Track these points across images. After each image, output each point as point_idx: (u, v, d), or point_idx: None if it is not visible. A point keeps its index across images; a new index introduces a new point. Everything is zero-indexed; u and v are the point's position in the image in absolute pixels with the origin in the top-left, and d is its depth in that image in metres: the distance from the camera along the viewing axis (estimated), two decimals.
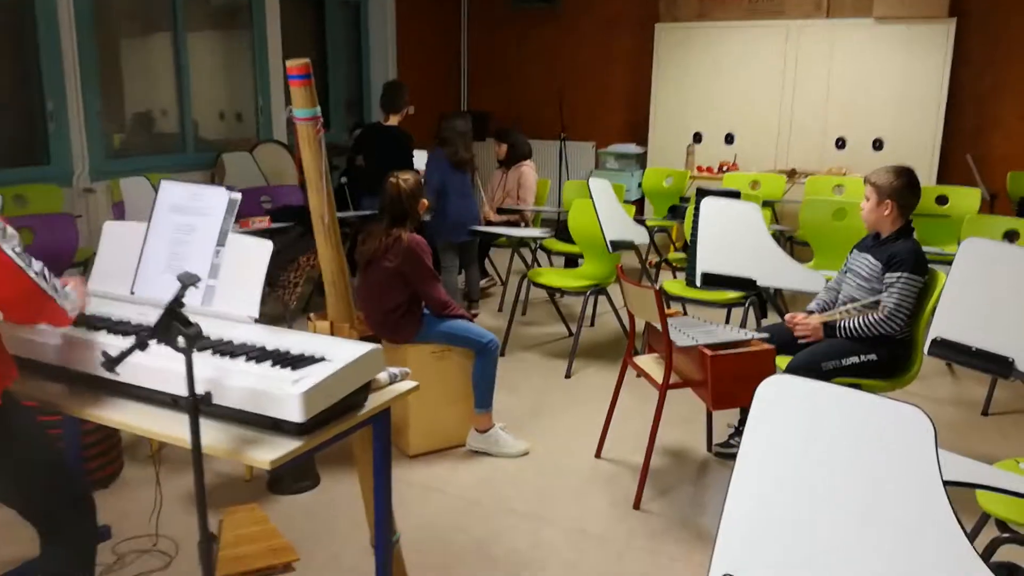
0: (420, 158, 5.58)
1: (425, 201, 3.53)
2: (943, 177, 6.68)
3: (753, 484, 1.43)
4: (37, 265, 1.76)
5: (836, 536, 1.34)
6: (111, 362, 1.60)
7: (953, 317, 2.64)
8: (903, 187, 3.10)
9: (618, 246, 4.43)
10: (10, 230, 1.73)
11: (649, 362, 3.32)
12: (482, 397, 3.48)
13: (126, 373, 1.87)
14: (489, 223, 5.55)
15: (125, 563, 2.73)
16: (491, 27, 8.92)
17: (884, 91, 6.82)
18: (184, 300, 1.61)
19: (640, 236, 4.59)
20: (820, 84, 7.07)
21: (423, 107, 7.25)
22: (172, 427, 1.82)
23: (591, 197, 4.40)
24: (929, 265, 3.16)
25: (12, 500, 1.92)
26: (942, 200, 5.51)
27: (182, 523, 2.95)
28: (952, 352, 2.60)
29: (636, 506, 3.12)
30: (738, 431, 3.54)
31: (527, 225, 5.79)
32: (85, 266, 4.59)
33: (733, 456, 3.46)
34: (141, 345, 1.61)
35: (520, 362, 4.71)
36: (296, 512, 3.08)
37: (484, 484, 3.29)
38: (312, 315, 2.25)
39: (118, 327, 2.09)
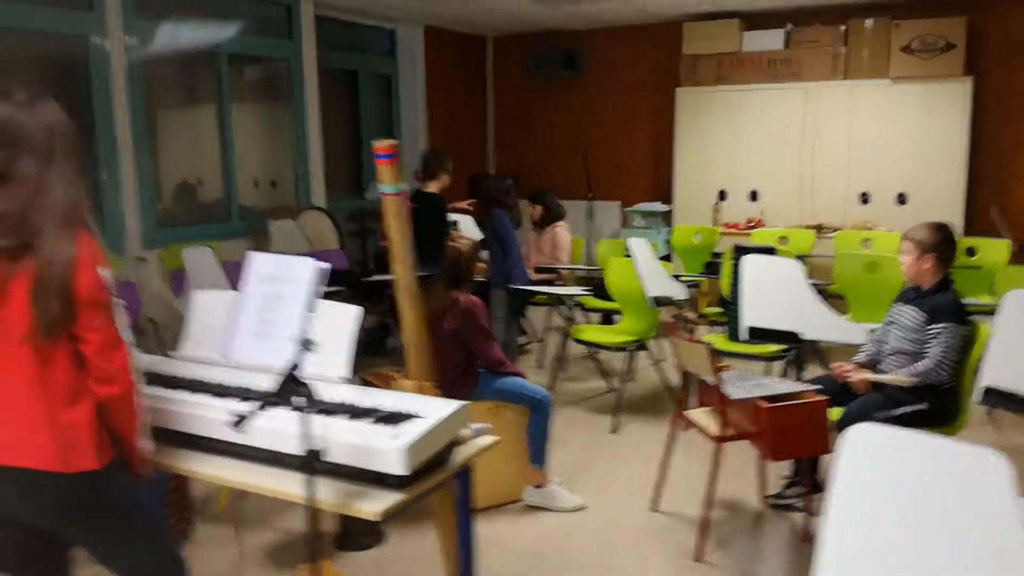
0: (466, 222, 5.76)
1: (483, 264, 3.68)
2: (969, 229, 6.80)
3: (843, 526, 1.53)
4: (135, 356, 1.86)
5: (924, 570, 1.43)
6: (240, 422, 1.72)
7: (1002, 366, 2.73)
8: (941, 242, 3.23)
9: (660, 302, 4.56)
10: (121, 307, 1.84)
11: (701, 415, 3.42)
12: (538, 453, 3.57)
13: (228, 434, 2.01)
14: (532, 282, 5.71)
15: None
16: (516, 93, 9.24)
17: (905, 147, 7.00)
18: (299, 363, 1.74)
19: (679, 292, 4.72)
20: (841, 142, 7.26)
21: (453, 170, 7.52)
22: (277, 482, 1.94)
23: (631, 255, 4.55)
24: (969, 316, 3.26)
25: (118, 562, 2.01)
26: (971, 252, 5.62)
27: None
28: (1004, 400, 2.69)
29: (697, 559, 3.18)
30: (792, 483, 3.60)
31: (563, 284, 5.94)
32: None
33: (788, 507, 3.55)
34: (266, 405, 1.74)
35: (566, 418, 4.80)
36: (364, 568, 3.16)
37: (545, 539, 3.37)
38: (395, 374, 2.38)
39: (216, 389, 2.22)
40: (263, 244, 6.38)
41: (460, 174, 8.53)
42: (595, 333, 5.02)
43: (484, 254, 4.76)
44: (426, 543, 3.32)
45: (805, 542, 3.31)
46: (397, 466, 1.82)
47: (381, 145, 2.10)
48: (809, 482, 3.40)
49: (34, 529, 1.86)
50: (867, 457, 1.52)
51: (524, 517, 3.56)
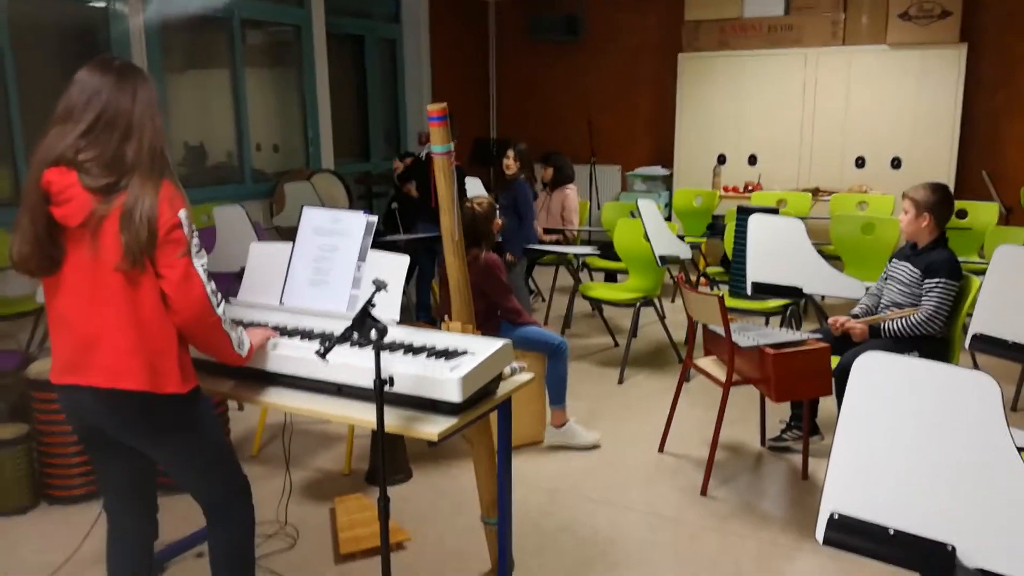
0: (474, 184, 5.93)
1: (499, 222, 3.89)
2: (960, 192, 7.03)
3: (852, 441, 1.76)
4: (213, 284, 2.06)
5: (922, 478, 1.67)
6: (324, 352, 1.95)
7: (990, 315, 2.98)
8: (939, 201, 3.46)
9: (666, 260, 4.79)
10: (203, 249, 2.06)
11: (709, 363, 3.66)
12: (557, 395, 3.84)
13: (301, 368, 2.23)
14: (541, 242, 5.92)
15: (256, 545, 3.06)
16: (518, 57, 9.36)
17: (900, 112, 7.21)
18: (375, 302, 1.96)
19: (684, 252, 4.95)
20: (838, 107, 7.45)
21: (458, 134, 7.69)
22: (343, 410, 2.17)
23: (641, 216, 4.76)
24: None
25: (193, 483, 2.23)
26: (961, 214, 5.86)
27: (299, 511, 3.28)
28: (991, 346, 2.94)
29: (703, 493, 3.45)
30: (790, 426, 3.86)
31: (571, 244, 6.15)
32: None
33: (786, 449, 3.82)
34: (345, 338, 1.96)
35: (574, 371, 4.99)
36: (396, 501, 3.38)
37: (561, 476, 3.63)
38: (446, 316, 2.60)
39: (279, 330, 2.44)
40: (277, 206, 6.57)
41: (463, 138, 8.70)
42: (603, 290, 5.25)
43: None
44: (447, 480, 3.59)
45: (803, 479, 3.58)
46: (454, 394, 2.04)
47: (434, 108, 2.29)
48: (807, 425, 3.65)
49: (121, 448, 2.09)
50: (876, 381, 1.75)
51: (542, 457, 3.81)
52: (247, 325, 2.44)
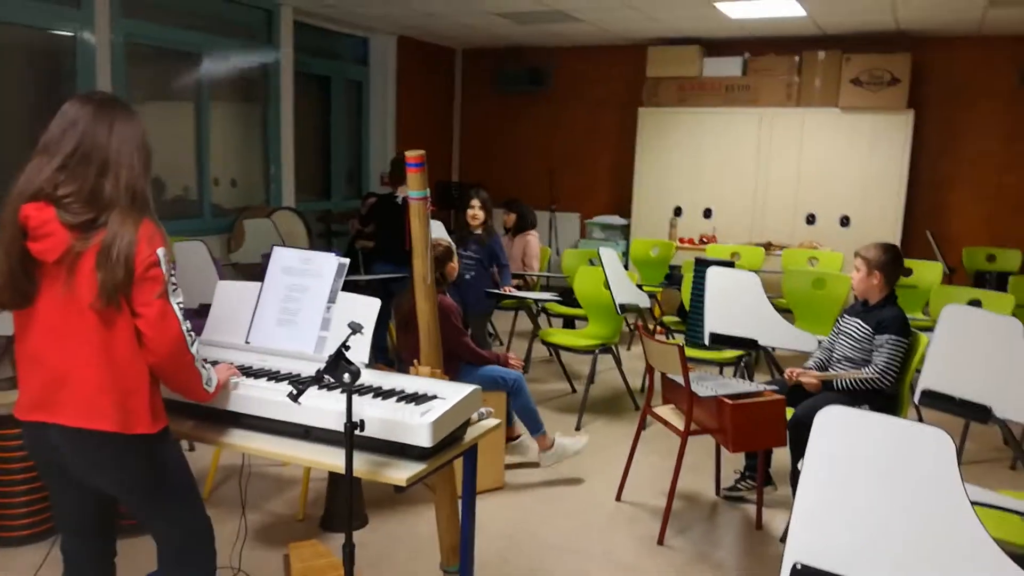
0: (437, 227, 5.96)
1: (454, 265, 3.93)
2: (905, 251, 7.22)
3: (814, 493, 1.81)
4: (188, 324, 2.05)
5: (880, 529, 1.72)
6: (297, 395, 1.94)
7: (938, 372, 3.09)
8: (890, 261, 3.60)
9: (626, 308, 4.86)
10: (179, 288, 2.05)
11: (668, 412, 3.72)
12: (533, 423, 3.99)
13: (267, 409, 2.22)
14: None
15: None
16: (483, 105, 9.52)
17: (850, 173, 7.48)
18: (348, 344, 1.97)
19: (643, 300, 5.04)
20: (791, 165, 7.71)
21: None
22: (308, 453, 2.15)
23: (602, 264, 4.84)
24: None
25: (156, 525, 2.18)
26: (907, 272, 6.07)
27: (253, 557, 3.22)
28: (939, 401, 3.04)
29: (660, 542, 3.47)
30: (744, 476, 3.92)
31: (530, 290, 6.21)
32: None
33: (740, 499, 3.87)
34: (317, 380, 1.96)
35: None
36: None
37: (519, 523, 3.62)
38: (415, 361, 2.61)
39: (244, 370, 2.42)
40: (236, 242, 6.52)
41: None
42: (563, 336, 5.30)
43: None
44: (403, 527, 3.55)
45: (757, 529, 3.63)
46: (424, 439, 2.05)
47: (412, 155, 2.34)
48: (762, 476, 3.71)
49: (85, 488, 2.04)
50: (837, 434, 1.81)
51: (499, 505, 3.80)
52: (212, 363, 2.42)
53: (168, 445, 2.07)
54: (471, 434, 2.35)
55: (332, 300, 2.54)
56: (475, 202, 5.41)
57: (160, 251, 1.94)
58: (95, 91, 2.03)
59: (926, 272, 6.01)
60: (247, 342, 2.60)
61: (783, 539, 3.49)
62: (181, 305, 2.00)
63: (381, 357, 5.81)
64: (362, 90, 8.70)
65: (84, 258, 1.88)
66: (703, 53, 7.99)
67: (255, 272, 6.37)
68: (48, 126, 1.93)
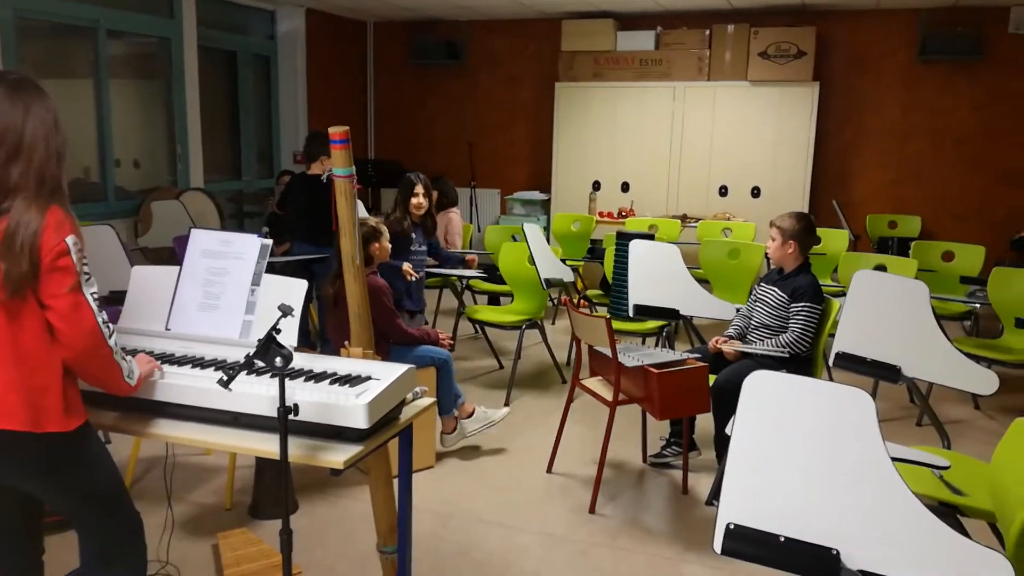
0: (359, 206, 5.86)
1: (382, 245, 3.87)
2: (814, 220, 7.57)
3: (744, 456, 1.87)
4: (104, 315, 1.94)
5: (808, 488, 1.79)
6: (228, 381, 1.88)
7: (851, 335, 3.23)
8: (803, 230, 3.73)
9: (551, 283, 4.90)
10: (92, 277, 1.95)
11: (595, 383, 3.77)
12: (450, 401, 3.99)
13: (194, 397, 2.15)
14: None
15: None
16: (398, 79, 9.37)
17: (760, 145, 7.70)
18: (279, 328, 1.92)
19: (567, 275, 5.08)
20: (704, 138, 7.88)
21: None
22: (239, 440, 2.10)
23: (527, 240, 4.85)
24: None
25: (83, 523, 2.10)
26: (817, 240, 6.30)
27: (180, 548, 3.13)
28: (852, 363, 3.18)
29: (591, 511, 3.53)
30: (669, 442, 4.02)
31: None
32: None
33: (666, 464, 3.97)
34: (248, 365, 1.90)
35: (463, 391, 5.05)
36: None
37: (453, 500, 3.63)
38: (346, 343, 2.56)
39: (166, 358, 2.34)
40: (143, 225, 6.26)
41: None
42: (490, 313, 5.30)
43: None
44: (335, 511, 3.52)
45: (684, 493, 3.74)
46: (360, 420, 2.02)
47: (336, 131, 2.27)
48: (687, 442, 3.82)
49: (3, 488, 1.94)
50: (765, 398, 1.87)
51: (432, 483, 3.80)
52: (130, 353, 2.32)
53: (87, 441, 1.98)
54: (406, 414, 2.33)
55: (256, 283, 2.47)
56: (419, 188, 4.87)
57: (70, 239, 1.84)
58: (7, 70, 1.90)
59: (833, 239, 6.25)
60: (167, 329, 2.51)
61: (708, 502, 3.61)
62: (95, 296, 1.91)
63: (303, 340, 5.69)
64: (271, 65, 8.44)
65: None
66: (616, 27, 8.05)
67: (166, 256, 6.16)
68: None
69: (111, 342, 1.92)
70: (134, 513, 2.15)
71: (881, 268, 4.93)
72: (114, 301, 3.34)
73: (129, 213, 6.38)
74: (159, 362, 2.27)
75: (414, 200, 4.89)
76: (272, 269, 4.66)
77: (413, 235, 4.93)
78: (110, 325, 1.93)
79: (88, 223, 4.52)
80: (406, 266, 4.67)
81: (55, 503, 2.02)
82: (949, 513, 2.52)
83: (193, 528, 3.35)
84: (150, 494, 3.57)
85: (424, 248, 5.03)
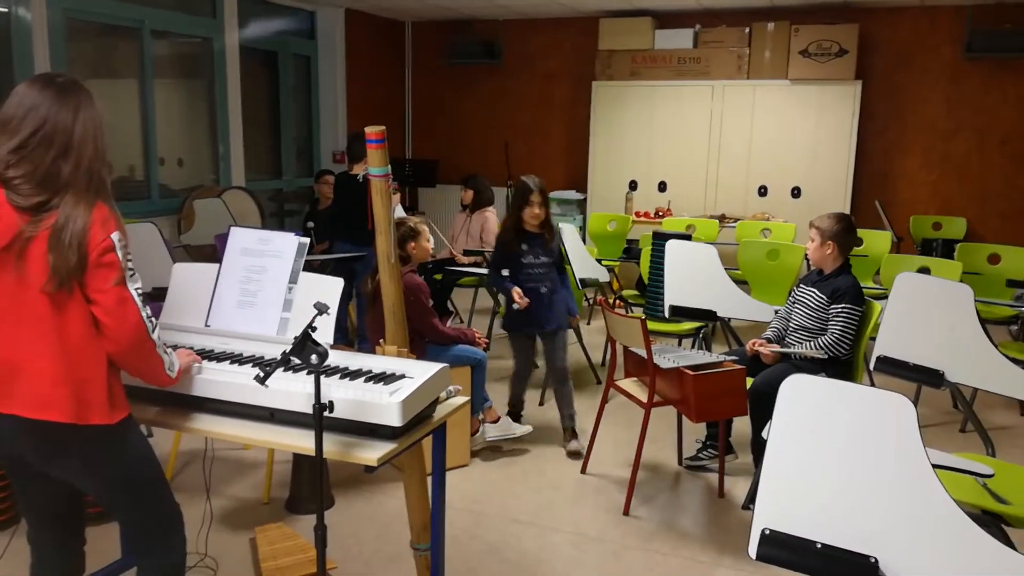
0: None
1: (422, 245, 3.87)
2: (855, 221, 7.44)
3: (780, 460, 1.85)
4: (148, 310, 1.99)
5: (846, 494, 1.76)
6: (264, 377, 1.90)
7: (893, 338, 3.17)
8: (843, 230, 3.67)
9: (586, 283, 4.88)
10: (136, 273, 1.99)
11: (630, 384, 3.75)
12: (476, 405, 4.04)
13: (232, 393, 2.18)
14: (455, 263, 5.93)
15: None
16: (435, 79, 9.40)
17: (800, 144, 7.59)
18: (315, 326, 1.94)
19: (602, 275, 5.06)
20: (743, 137, 7.79)
21: None
22: (275, 436, 2.12)
23: (561, 240, 4.84)
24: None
25: (123, 514, 2.15)
26: (858, 242, 6.20)
27: (219, 541, 3.18)
28: (894, 367, 3.12)
29: (625, 512, 3.52)
30: (705, 445, 3.98)
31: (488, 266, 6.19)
32: None
33: (702, 468, 3.94)
34: (284, 362, 1.93)
35: (495, 393, 5.03)
36: None
37: (487, 498, 3.63)
38: (381, 341, 2.58)
39: (205, 354, 2.37)
40: (186, 223, 6.37)
41: None
42: None
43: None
44: (371, 507, 3.54)
45: (720, 497, 3.70)
46: (394, 418, 2.04)
47: (372, 130, 2.29)
48: (723, 445, 3.78)
49: (48, 478, 1.99)
50: (802, 402, 1.84)
51: (467, 480, 3.81)
52: (171, 347, 2.36)
53: (129, 434, 2.02)
54: (440, 412, 2.34)
55: (293, 281, 2.49)
56: (535, 196, 4.16)
57: (115, 236, 1.89)
58: (56, 73, 1.96)
59: (875, 241, 6.14)
60: (207, 325, 2.55)
61: (745, 506, 3.57)
62: (139, 291, 1.95)
63: (341, 338, 5.75)
64: (310, 65, 8.53)
65: (35, 243, 1.82)
66: (655, 25, 7.99)
67: (208, 254, 6.26)
68: (3, 106, 1.87)
69: (154, 336, 1.96)
70: (174, 505, 2.18)
71: (924, 270, 4.83)
72: (156, 297, 3.40)
73: (173, 211, 6.49)
74: (211, 359, 2.31)
75: (529, 210, 4.18)
76: (312, 268, 4.74)
77: (524, 247, 4.23)
78: (153, 320, 1.97)
79: (132, 220, 4.61)
80: (515, 292, 4.14)
81: (97, 493, 2.06)
82: (992, 522, 2.47)
83: (231, 522, 3.40)
84: (190, 487, 3.63)
85: (545, 260, 4.25)
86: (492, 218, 6.30)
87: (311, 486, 3.50)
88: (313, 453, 1.97)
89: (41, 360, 1.86)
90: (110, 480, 2.02)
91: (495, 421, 4.12)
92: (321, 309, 1.94)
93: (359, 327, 5.77)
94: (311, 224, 6.32)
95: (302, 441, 2.07)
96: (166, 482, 2.18)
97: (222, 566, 3.03)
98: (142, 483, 2.08)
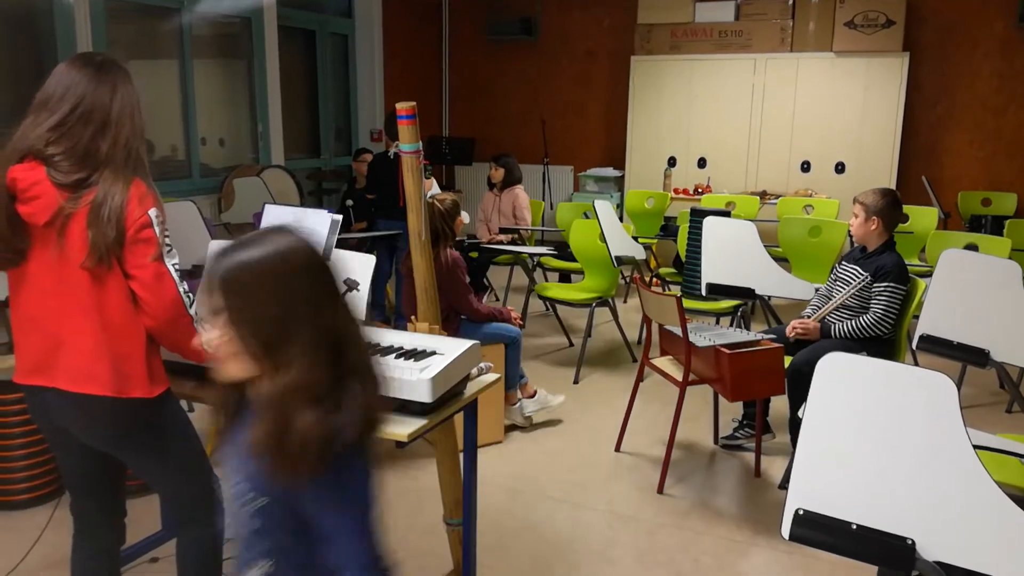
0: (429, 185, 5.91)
1: (461, 220, 3.89)
2: (901, 197, 7.25)
3: (816, 440, 1.81)
4: (185, 285, 2.00)
5: (883, 475, 1.72)
6: None
7: (937, 317, 3.08)
8: (888, 206, 3.57)
9: (622, 261, 4.84)
10: (174, 249, 2.01)
11: (666, 363, 3.72)
12: (513, 382, 4.05)
13: None
14: (494, 242, 5.92)
15: None
16: (473, 56, 9.35)
17: (845, 118, 7.41)
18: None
19: (639, 252, 5.01)
20: (786, 112, 7.63)
21: None
22: None
23: (598, 217, 4.80)
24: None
25: (163, 486, 2.19)
26: (904, 218, 6.04)
27: None
28: (937, 346, 3.04)
29: (660, 491, 3.50)
30: (742, 424, 3.94)
31: (525, 244, 6.17)
32: None
33: (738, 447, 3.89)
34: None
35: (529, 370, 5.02)
36: None
37: (520, 476, 3.64)
38: (413, 318, 2.59)
39: None
40: (226, 202, 6.45)
41: None
42: (559, 291, 5.28)
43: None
44: (405, 481, 3.57)
45: (756, 476, 3.66)
46: (424, 394, 2.04)
47: (404, 107, 2.28)
48: (760, 424, 3.73)
49: (90, 450, 2.04)
50: (839, 381, 1.80)
51: (501, 457, 3.82)
52: None
53: (168, 407, 2.05)
54: (471, 389, 2.34)
55: (327, 257, 2.50)
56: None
57: (152, 212, 1.91)
58: (95, 53, 1.99)
59: (922, 218, 5.99)
60: None
61: (782, 486, 3.53)
62: (177, 266, 1.97)
63: (378, 315, 5.80)
64: (348, 43, 8.54)
65: (75, 219, 1.85)
66: None
67: (247, 232, 6.32)
68: (44, 85, 1.89)
69: (192, 311, 1.97)
70: (212, 477, 2.21)
71: (972, 247, 4.69)
72: (195, 275, 3.45)
73: (213, 190, 6.57)
74: None
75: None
76: (350, 246, 4.74)
77: None
78: (191, 295, 1.98)
79: (172, 199, 4.68)
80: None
81: (136, 466, 2.10)
82: None
83: None
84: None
85: None
86: (522, 195, 6.28)
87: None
88: None
89: (82, 336, 1.90)
90: (150, 453, 2.06)
91: (531, 396, 4.14)
92: (351, 285, 1.95)
93: (396, 305, 5.80)
94: (350, 202, 6.35)
95: None
96: (205, 456, 2.21)
97: None
98: (181, 456, 2.11)
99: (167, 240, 1.94)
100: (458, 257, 3.77)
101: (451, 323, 3.78)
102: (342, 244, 4.21)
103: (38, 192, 1.83)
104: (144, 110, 1.99)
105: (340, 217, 2.52)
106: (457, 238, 4.03)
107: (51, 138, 1.85)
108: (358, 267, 2.47)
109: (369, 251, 4.85)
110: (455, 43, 9.47)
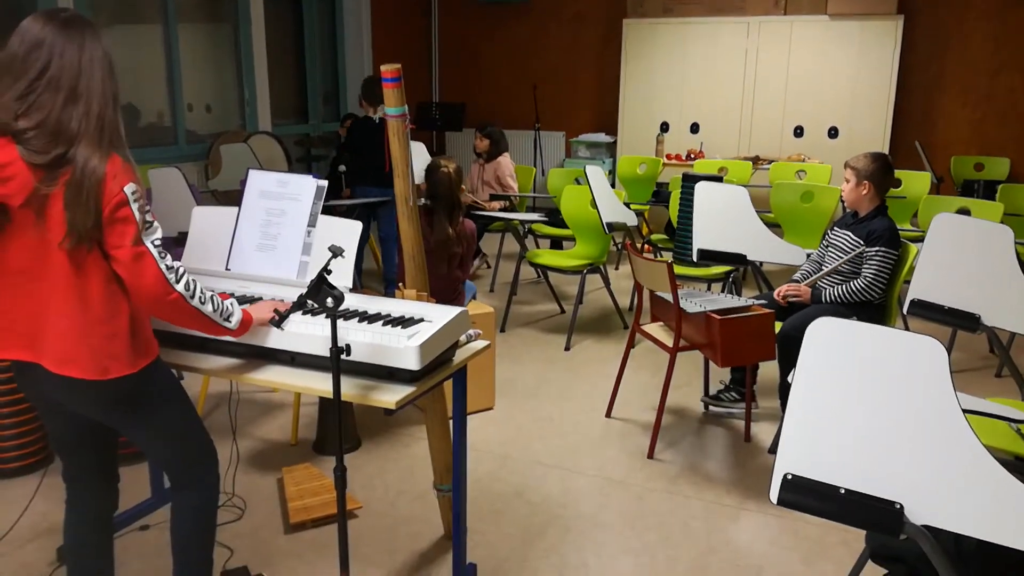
0: (418, 149, 5.84)
1: (464, 188, 3.88)
2: (893, 162, 7.19)
3: (805, 404, 1.80)
4: (168, 260, 1.90)
5: (872, 439, 1.72)
6: (280, 321, 1.89)
7: (928, 281, 3.07)
8: (879, 170, 3.55)
9: (613, 227, 4.81)
10: (155, 223, 1.95)
11: (656, 329, 3.71)
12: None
13: (250, 336, 2.17)
14: (481, 208, 5.88)
15: None
16: (462, 21, 9.22)
17: (838, 83, 7.34)
18: (330, 268, 1.91)
19: (630, 219, 4.98)
20: (779, 76, 7.56)
21: None
22: (295, 379, 2.12)
23: (589, 183, 4.76)
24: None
25: (156, 452, 2.18)
26: (896, 183, 6.02)
27: (246, 482, 3.23)
28: (928, 311, 3.04)
29: (650, 456, 3.51)
30: (728, 387, 3.94)
31: (516, 211, 6.13)
32: None
33: (726, 411, 3.90)
34: (300, 306, 1.91)
35: (521, 337, 5.06)
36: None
37: (511, 442, 3.64)
38: (400, 285, 2.56)
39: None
40: (213, 168, 6.37)
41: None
42: (550, 257, 5.25)
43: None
44: (396, 449, 3.57)
45: (746, 441, 3.67)
46: (412, 362, 2.02)
47: (388, 69, 2.23)
48: (750, 390, 3.73)
49: (82, 416, 2.01)
50: (829, 345, 1.79)
51: (492, 424, 3.82)
52: (249, 300, 2.33)
53: (154, 378, 2.00)
54: (459, 356, 2.32)
55: (312, 224, 2.47)
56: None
57: (128, 188, 1.81)
58: (59, 8, 1.88)
59: (914, 182, 5.96)
60: (227, 269, 2.54)
61: (771, 450, 3.54)
62: (157, 243, 1.88)
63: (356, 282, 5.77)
64: (335, 7, 8.39)
65: (52, 199, 1.77)
66: None
67: (234, 199, 6.23)
68: (7, 44, 1.78)
69: (179, 287, 1.89)
70: (206, 443, 2.18)
71: (964, 212, 4.68)
72: (182, 242, 3.41)
73: (200, 156, 6.49)
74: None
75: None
76: (334, 212, 4.70)
77: None
78: (179, 270, 1.91)
79: (157, 166, 4.61)
80: None
81: (129, 434, 2.08)
82: None
83: (259, 463, 3.45)
84: (218, 429, 3.69)
85: None
86: (505, 161, 6.24)
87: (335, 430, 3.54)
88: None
89: (63, 318, 1.84)
90: (139, 423, 2.03)
91: None
92: (336, 252, 1.91)
93: (385, 271, 5.78)
94: (343, 168, 6.28)
95: (322, 384, 2.07)
96: (198, 420, 2.16)
97: (250, 505, 3.08)
98: (172, 423, 2.08)
99: (147, 217, 1.86)
100: (473, 226, 3.80)
101: (451, 286, 3.80)
102: (329, 210, 4.17)
103: (11, 173, 1.76)
104: (118, 71, 1.90)
105: (325, 183, 2.48)
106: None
107: (19, 109, 1.76)
108: (347, 234, 2.43)
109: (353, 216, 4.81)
110: (444, 7, 9.32)
